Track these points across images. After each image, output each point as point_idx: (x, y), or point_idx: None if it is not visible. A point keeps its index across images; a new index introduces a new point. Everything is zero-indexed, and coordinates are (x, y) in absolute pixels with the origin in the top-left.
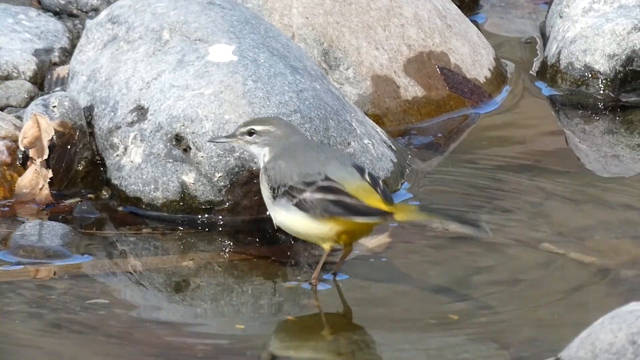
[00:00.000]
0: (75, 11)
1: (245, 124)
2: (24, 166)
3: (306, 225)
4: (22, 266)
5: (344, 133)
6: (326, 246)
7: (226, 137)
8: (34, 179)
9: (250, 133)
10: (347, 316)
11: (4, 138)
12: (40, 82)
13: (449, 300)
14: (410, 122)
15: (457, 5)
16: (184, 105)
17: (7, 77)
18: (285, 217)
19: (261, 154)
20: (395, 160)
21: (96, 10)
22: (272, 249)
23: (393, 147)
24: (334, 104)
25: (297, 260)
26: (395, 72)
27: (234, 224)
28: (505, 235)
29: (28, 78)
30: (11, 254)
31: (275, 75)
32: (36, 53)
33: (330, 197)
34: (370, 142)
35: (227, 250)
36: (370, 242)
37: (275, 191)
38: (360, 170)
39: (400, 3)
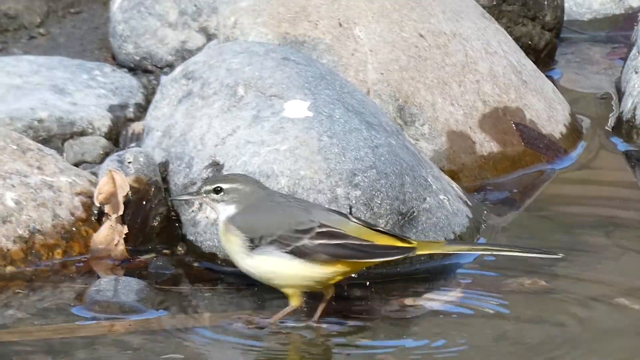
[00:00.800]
0: (150, 67)
1: (211, 182)
2: (99, 222)
3: (303, 270)
4: (97, 321)
5: (420, 189)
6: (296, 301)
7: (189, 194)
8: (109, 235)
9: (217, 191)
10: None
11: (79, 194)
12: (115, 138)
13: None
14: (486, 178)
15: (532, 61)
16: (260, 161)
17: (82, 133)
18: (275, 264)
19: (224, 211)
20: (470, 215)
21: (171, 66)
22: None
23: (469, 202)
24: (410, 159)
25: (378, 317)
26: (470, 127)
27: None
28: (582, 290)
29: (103, 134)
30: (86, 309)
31: (351, 131)
32: (111, 109)
33: (335, 241)
34: (446, 197)
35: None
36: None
37: (256, 241)
38: (344, 215)
39: (475, 59)
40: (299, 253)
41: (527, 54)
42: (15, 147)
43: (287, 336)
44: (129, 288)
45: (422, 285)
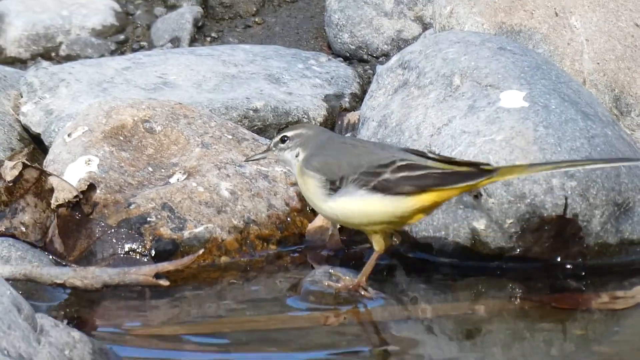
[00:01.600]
0: (365, 56)
1: (277, 135)
2: (314, 212)
3: (387, 205)
4: (311, 312)
5: (636, 179)
6: (380, 246)
7: (260, 153)
8: (324, 225)
9: (283, 140)
10: None
11: (294, 184)
12: (331, 127)
13: None
14: None
15: None
16: (475, 151)
17: (297, 123)
18: (359, 203)
19: (293, 156)
20: None
21: (386, 56)
22: (563, 297)
23: None
24: (626, 150)
25: (588, 308)
26: None
27: (524, 270)
28: None
29: (318, 123)
30: (301, 300)
31: (567, 121)
32: (326, 99)
33: (418, 172)
34: None
35: (517, 297)
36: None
37: (337, 183)
38: (421, 153)
39: None
40: (382, 188)
41: None
42: (230, 136)
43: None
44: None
45: (637, 277)
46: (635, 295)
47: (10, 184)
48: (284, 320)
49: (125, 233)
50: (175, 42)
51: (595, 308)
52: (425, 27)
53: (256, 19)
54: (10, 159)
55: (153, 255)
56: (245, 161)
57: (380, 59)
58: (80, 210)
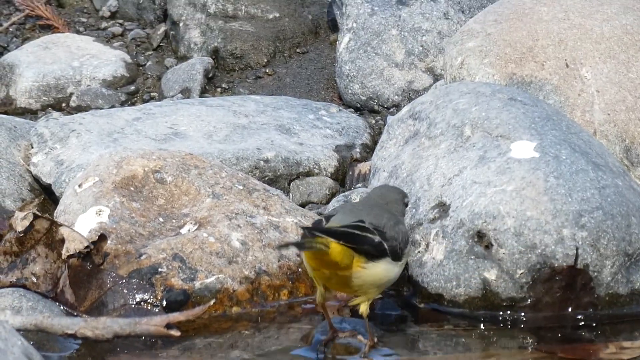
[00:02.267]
0: (376, 107)
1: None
2: None
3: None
4: None
5: None
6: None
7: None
8: None
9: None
10: None
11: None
12: (342, 178)
13: None
14: None
15: None
16: (486, 201)
17: (309, 174)
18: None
19: None
20: None
21: (397, 107)
22: (573, 347)
23: None
24: (637, 200)
25: (597, 358)
26: None
27: (535, 321)
28: None
29: (329, 174)
30: (312, 351)
31: (577, 171)
32: (337, 149)
33: None
34: None
35: (529, 348)
36: None
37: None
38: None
39: None
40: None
41: None
42: (241, 187)
43: None
44: (355, 328)
45: None
46: None
47: (21, 235)
48: None
49: (136, 283)
50: (185, 92)
51: (603, 359)
52: (436, 78)
53: (267, 70)
54: (21, 209)
55: (164, 305)
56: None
57: (391, 110)
58: (91, 261)
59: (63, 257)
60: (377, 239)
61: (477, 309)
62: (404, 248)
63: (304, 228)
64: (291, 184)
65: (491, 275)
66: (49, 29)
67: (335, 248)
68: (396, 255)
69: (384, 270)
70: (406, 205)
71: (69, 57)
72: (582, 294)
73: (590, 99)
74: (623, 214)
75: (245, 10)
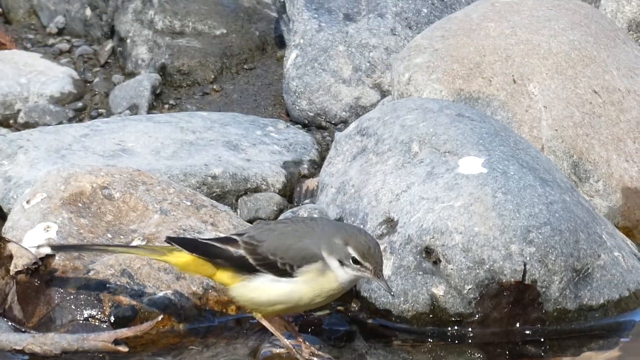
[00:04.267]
0: (324, 123)
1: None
2: None
3: None
4: None
5: (594, 245)
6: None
7: None
8: None
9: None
10: None
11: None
12: (290, 194)
13: None
14: None
15: None
16: (434, 217)
17: (256, 190)
18: None
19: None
20: None
21: (345, 123)
22: None
23: None
24: (584, 216)
25: None
26: None
27: (483, 336)
28: None
29: (277, 190)
30: None
31: (525, 187)
32: (285, 165)
33: None
34: (620, 254)
35: None
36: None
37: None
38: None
39: None
40: None
41: None
42: (189, 203)
43: None
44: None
45: (595, 343)
46: None
47: None
48: None
49: (84, 299)
50: (133, 109)
51: None
52: (384, 94)
53: (214, 87)
54: None
55: (112, 321)
56: None
57: (339, 126)
58: (39, 277)
59: (11, 273)
60: (238, 252)
61: (425, 325)
62: (300, 265)
63: (167, 238)
64: (239, 200)
65: (439, 290)
66: None
67: (180, 258)
68: (279, 272)
69: (262, 285)
70: (347, 249)
71: (16, 74)
72: (530, 309)
73: (537, 114)
74: (571, 229)
75: (193, 26)
